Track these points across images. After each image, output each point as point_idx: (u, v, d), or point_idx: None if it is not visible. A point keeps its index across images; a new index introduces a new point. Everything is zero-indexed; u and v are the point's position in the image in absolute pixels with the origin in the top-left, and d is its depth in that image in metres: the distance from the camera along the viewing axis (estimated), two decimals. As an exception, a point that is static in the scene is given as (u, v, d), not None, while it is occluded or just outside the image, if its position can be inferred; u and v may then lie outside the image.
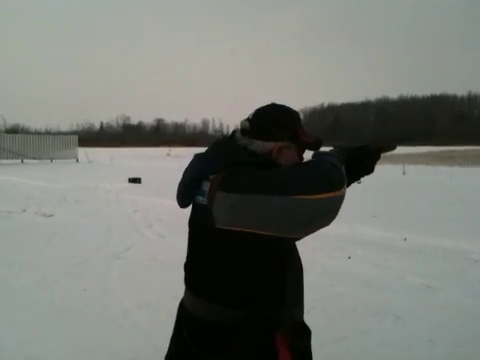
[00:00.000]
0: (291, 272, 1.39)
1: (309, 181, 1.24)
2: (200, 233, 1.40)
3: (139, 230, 7.48)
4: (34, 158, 31.36)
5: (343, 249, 5.98)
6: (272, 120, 1.41)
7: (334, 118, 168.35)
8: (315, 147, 1.46)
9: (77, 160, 32.89)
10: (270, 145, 1.38)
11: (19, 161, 30.66)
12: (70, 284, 4.65)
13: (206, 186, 1.34)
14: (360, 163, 1.54)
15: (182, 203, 1.50)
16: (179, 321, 1.54)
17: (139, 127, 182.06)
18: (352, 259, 5.59)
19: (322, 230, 1.33)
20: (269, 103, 1.48)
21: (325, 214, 1.26)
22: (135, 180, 15.61)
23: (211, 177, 1.33)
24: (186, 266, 1.52)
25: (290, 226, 1.24)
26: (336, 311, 3.93)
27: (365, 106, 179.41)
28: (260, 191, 1.22)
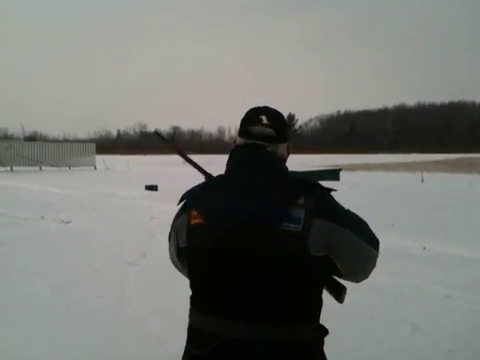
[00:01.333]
0: None
1: (376, 237, 1.36)
2: (258, 258, 1.24)
3: (155, 237, 7.50)
4: (52, 165, 31.80)
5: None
6: (283, 121, 1.45)
7: (351, 125, 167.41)
8: None
9: (95, 167, 33.26)
10: (285, 145, 1.43)
11: (37, 168, 31.12)
12: (86, 291, 4.68)
13: (297, 212, 1.22)
14: None
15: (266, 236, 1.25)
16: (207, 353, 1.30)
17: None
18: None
19: None
20: (261, 105, 1.45)
21: (372, 270, 1.38)
22: (152, 187, 15.68)
23: (300, 202, 1.24)
24: (216, 293, 1.31)
25: (357, 270, 1.35)
26: (351, 320, 3.87)
27: (383, 113, 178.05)
28: (353, 230, 1.28)
